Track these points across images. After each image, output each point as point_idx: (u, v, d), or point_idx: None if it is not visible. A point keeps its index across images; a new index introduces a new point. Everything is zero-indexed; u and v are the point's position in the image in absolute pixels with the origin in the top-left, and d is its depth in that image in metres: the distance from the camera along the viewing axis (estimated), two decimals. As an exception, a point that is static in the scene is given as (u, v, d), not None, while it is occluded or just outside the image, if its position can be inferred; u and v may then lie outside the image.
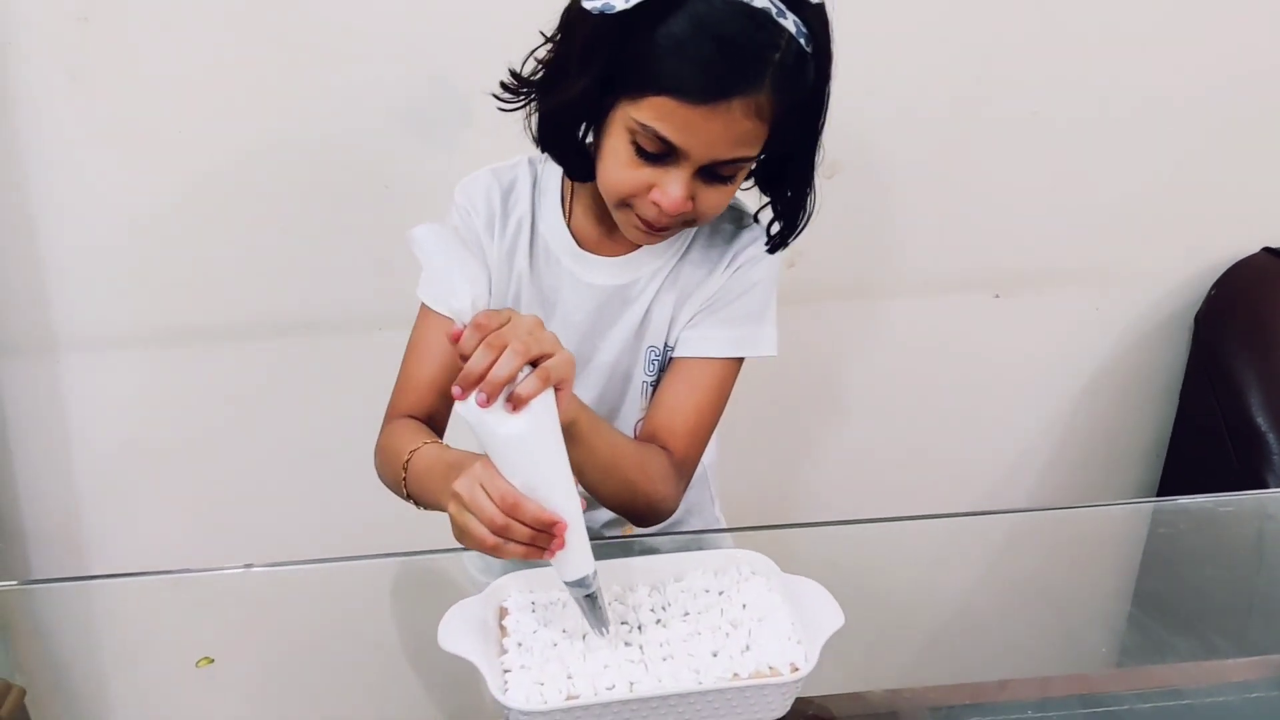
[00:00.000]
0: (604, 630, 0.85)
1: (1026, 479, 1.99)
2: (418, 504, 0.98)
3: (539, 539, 0.81)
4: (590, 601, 0.84)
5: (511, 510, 0.80)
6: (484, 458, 0.83)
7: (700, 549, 1.00)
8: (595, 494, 1.02)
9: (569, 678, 0.82)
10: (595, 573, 0.84)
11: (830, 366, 1.85)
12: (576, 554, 0.83)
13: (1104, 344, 1.93)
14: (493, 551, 0.82)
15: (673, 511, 1.09)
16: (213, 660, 0.93)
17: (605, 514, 1.15)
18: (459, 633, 0.85)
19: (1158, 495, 1.97)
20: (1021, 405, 1.95)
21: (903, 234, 1.78)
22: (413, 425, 1.06)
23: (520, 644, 0.87)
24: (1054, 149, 1.74)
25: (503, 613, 0.92)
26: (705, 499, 1.26)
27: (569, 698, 0.80)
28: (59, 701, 0.95)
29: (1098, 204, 1.80)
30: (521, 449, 0.79)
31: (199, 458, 1.67)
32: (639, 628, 0.89)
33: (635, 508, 1.05)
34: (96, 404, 1.61)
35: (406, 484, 0.98)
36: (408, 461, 0.98)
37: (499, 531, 0.81)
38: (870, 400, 1.88)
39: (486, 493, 0.81)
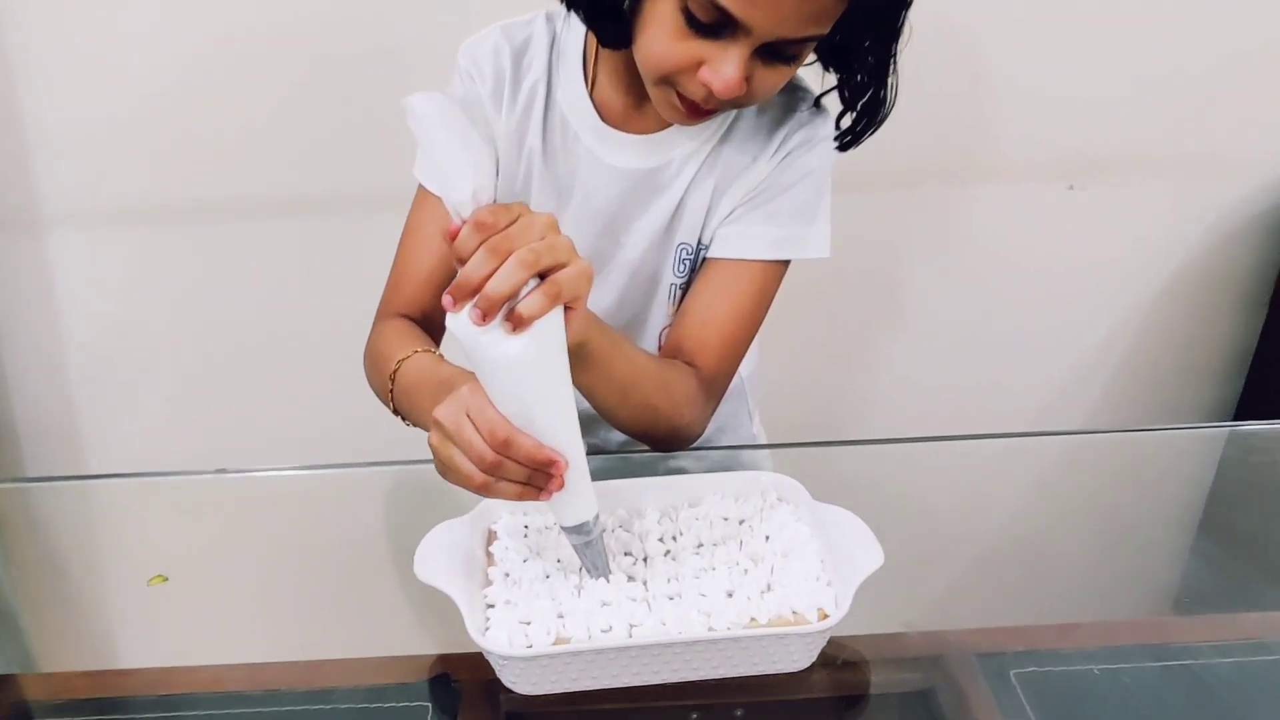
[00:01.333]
0: (604, 578, 0.74)
1: (1089, 396, 1.84)
2: (405, 420, 0.87)
3: (534, 479, 0.69)
4: (589, 549, 0.73)
5: (503, 446, 0.67)
6: (474, 380, 0.70)
7: (732, 469, 0.88)
8: (609, 418, 0.89)
9: (559, 617, 0.72)
10: (597, 517, 0.73)
11: (884, 264, 1.70)
12: (577, 497, 0.71)
13: (1184, 243, 1.74)
14: (480, 491, 0.70)
15: (698, 436, 0.96)
16: (166, 579, 0.84)
17: (617, 435, 1.03)
18: (438, 561, 0.75)
19: (1235, 418, 1.81)
20: (1089, 310, 1.78)
21: (966, 117, 1.60)
22: (404, 328, 0.94)
23: (507, 575, 0.76)
24: (1136, 22, 1.53)
25: (491, 537, 0.81)
26: (741, 413, 1.13)
27: (558, 641, 0.69)
28: (50, 601, 0.87)
29: (1183, 84, 1.59)
30: (519, 375, 0.66)
31: (192, 345, 1.58)
32: (644, 560, 0.78)
33: (655, 433, 0.92)
34: (85, 285, 1.52)
35: (393, 397, 0.86)
36: (395, 372, 0.86)
37: (488, 470, 0.68)
38: (928, 303, 1.73)
39: (475, 424, 0.68)
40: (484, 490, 0.69)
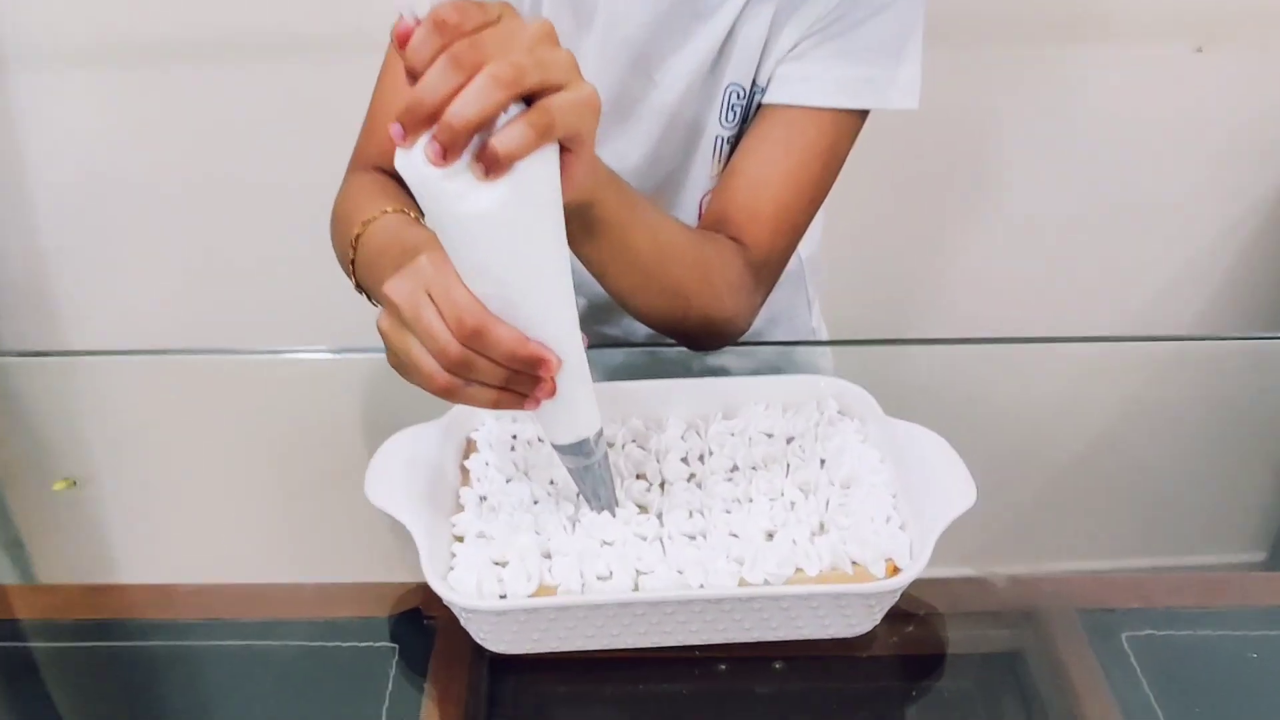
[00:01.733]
0: (609, 509, 0.58)
1: (1203, 296, 1.62)
2: (371, 299, 0.69)
3: (515, 382, 0.52)
4: (589, 475, 0.56)
5: (473, 338, 0.50)
6: (436, 248, 0.52)
7: (781, 373, 0.70)
8: (626, 306, 0.71)
9: (546, 558, 0.55)
10: (600, 435, 0.55)
11: (977, 133, 1.48)
12: (572, 407, 0.54)
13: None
14: (444, 395, 0.53)
15: (743, 332, 0.77)
16: (74, 483, 0.69)
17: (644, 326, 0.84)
18: (395, 478, 0.58)
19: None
20: (1216, 197, 1.55)
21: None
22: (376, 183, 0.75)
23: (483, 499, 0.59)
24: None
25: (469, 448, 0.64)
26: (798, 302, 0.94)
27: (541, 590, 0.53)
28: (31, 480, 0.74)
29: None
30: (495, 239, 0.48)
31: (166, 201, 1.42)
32: (660, 486, 0.60)
33: (687, 327, 0.73)
34: (54, 134, 1.37)
35: (355, 269, 0.69)
36: (359, 237, 0.68)
37: (454, 368, 0.51)
38: (1025, 181, 1.51)
39: (438, 306, 0.51)
40: (449, 394, 0.52)
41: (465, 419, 0.64)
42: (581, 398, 0.53)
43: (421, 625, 0.59)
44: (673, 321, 0.72)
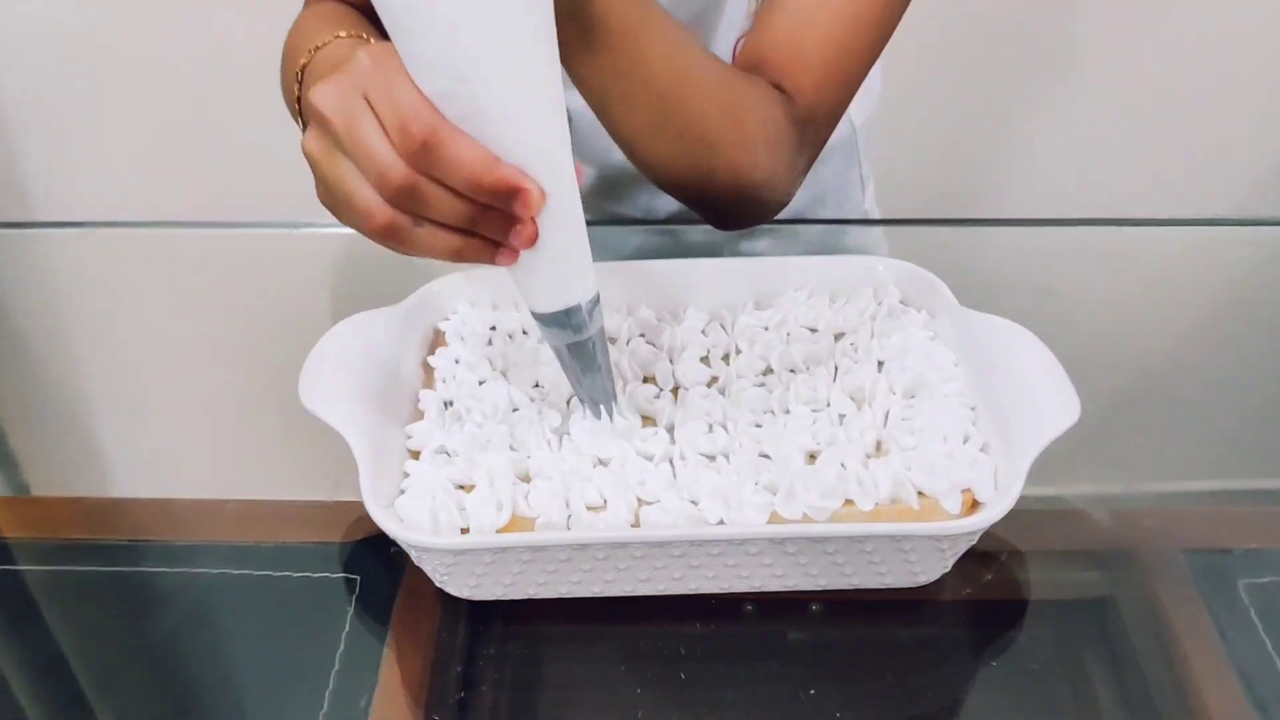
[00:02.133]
0: (604, 408, 0.44)
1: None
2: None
3: (484, 222, 0.39)
4: (581, 356, 0.43)
5: (423, 154, 0.36)
6: (381, 43, 0.38)
7: (822, 254, 0.56)
8: (636, 155, 0.56)
9: (524, 481, 0.43)
10: (596, 302, 0.42)
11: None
12: (560, 262, 0.40)
13: None
14: (385, 237, 0.39)
15: (782, 203, 0.62)
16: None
17: (666, 202, 0.69)
18: (336, 376, 0.46)
19: None
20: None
21: None
22: (335, 11, 0.61)
23: (449, 405, 0.47)
24: None
25: (436, 341, 0.51)
26: (850, 177, 0.78)
27: (513, 524, 0.41)
28: None
29: None
30: (457, 26, 0.34)
31: (129, 65, 1.28)
32: (673, 393, 0.48)
33: (711, 190, 0.58)
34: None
35: (301, 106, 0.54)
36: (305, 67, 0.54)
37: (399, 197, 0.38)
38: (1120, 36, 1.31)
39: (377, 113, 0.37)
40: (391, 237, 0.39)
41: (432, 304, 0.52)
42: (572, 249, 0.40)
43: (388, 554, 0.48)
44: (694, 180, 0.57)
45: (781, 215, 0.61)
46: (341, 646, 0.45)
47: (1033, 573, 0.48)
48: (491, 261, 0.40)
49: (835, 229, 0.73)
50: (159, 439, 0.58)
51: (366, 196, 0.38)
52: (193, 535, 0.51)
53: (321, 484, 0.53)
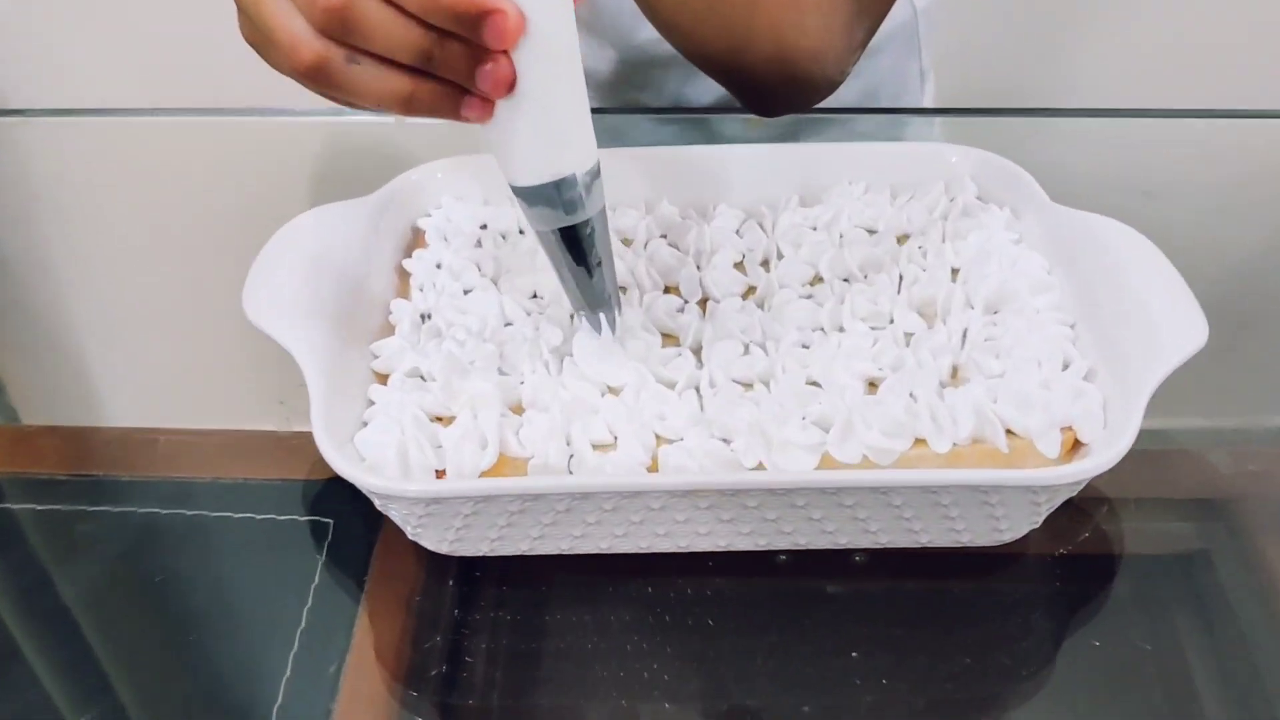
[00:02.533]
0: (604, 317, 0.36)
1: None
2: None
3: (443, 58, 0.29)
4: (573, 244, 0.34)
5: None
6: None
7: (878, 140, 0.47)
8: (659, 16, 0.47)
9: (515, 413, 0.35)
10: (595, 172, 0.33)
11: None
12: (547, 118, 0.31)
13: None
14: (313, 78, 0.30)
15: (832, 84, 0.52)
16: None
17: (706, 84, 0.59)
18: (288, 282, 0.37)
19: None
20: None
21: None
22: None
23: (426, 319, 0.39)
24: None
25: (415, 241, 0.43)
26: (909, 68, 0.68)
27: (503, 465, 0.33)
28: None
29: None
30: None
31: None
32: (701, 306, 0.39)
33: (750, 61, 0.48)
34: None
35: None
36: None
37: (326, 22, 0.29)
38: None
39: None
40: (320, 77, 0.30)
41: (409, 196, 0.43)
42: (563, 98, 0.31)
43: (365, 498, 0.40)
44: (729, 46, 0.47)
45: (829, 102, 0.51)
46: (309, 601, 0.37)
47: (1110, 521, 0.39)
48: (455, 115, 0.30)
49: (893, 121, 0.62)
50: (92, 357, 0.50)
51: (290, 25, 0.29)
52: (128, 469, 0.43)
53: (279, 411, 0.45)
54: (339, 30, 0.28)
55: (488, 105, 0.30)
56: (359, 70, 0.29)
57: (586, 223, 0.33)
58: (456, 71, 0.29)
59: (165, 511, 0.42)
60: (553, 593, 0.36)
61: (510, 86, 0.29)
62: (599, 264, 0.34)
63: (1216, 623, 0.36)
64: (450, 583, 0.36)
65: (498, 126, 0.30)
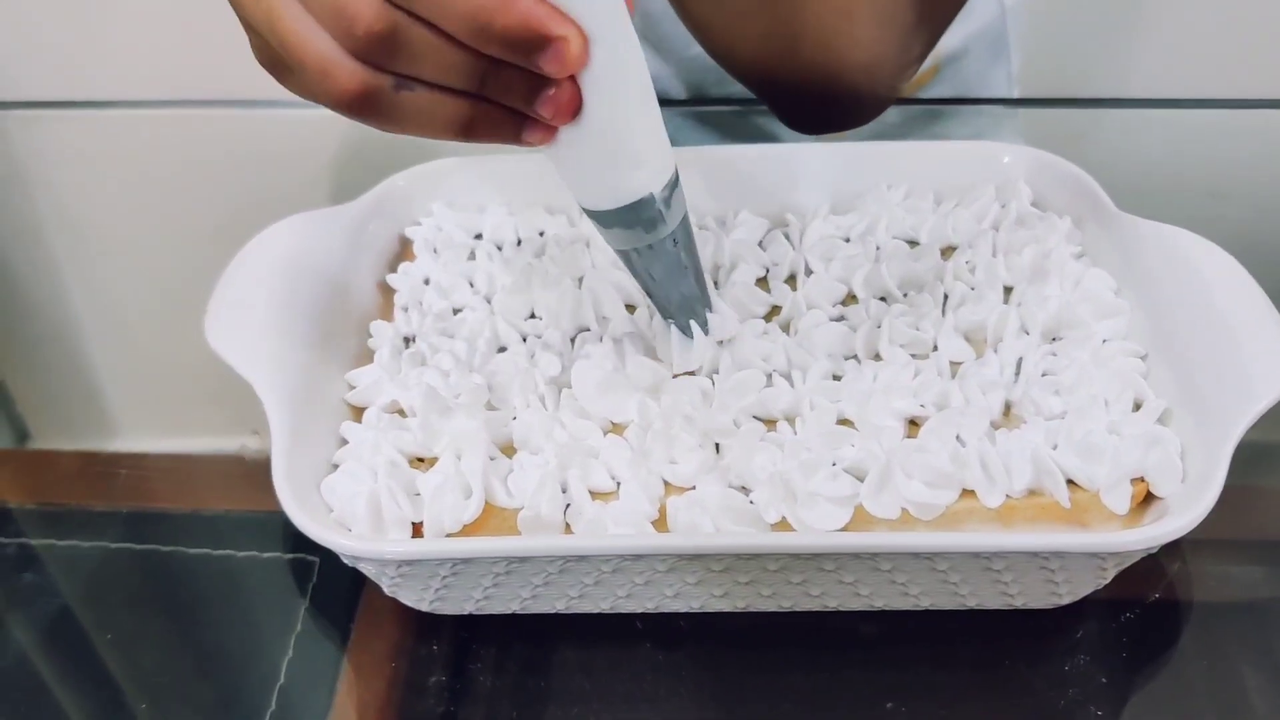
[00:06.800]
0: (694, 323, 0.33)
1: None
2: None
3: (497, 83, 0.25)
4: (657, 259, 0.30)
5: None
6: None
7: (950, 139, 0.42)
8: (699, 30, 0.41)
9: (505, 460, 0.31)
10: (674, 183, 0.29)
11: None
12: (615, 136, 0.27)
13: None
14: (356, 108, 0.26)
15: (886, 102, 0.45)
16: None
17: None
18: (255, 303, 0.33)
19: None
20: None
21: None
22: None
23: (410, 342, 0.35)
24: None
25: (402, 254, 0.39)
26: (996, 77, 0.59)
27: (487, 519, 0.29)
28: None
29: None
30: None
31: None
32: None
33: (792, 70, 0.42)
34: None
35: None
36: None
37: (368, 48, 0.24)
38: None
39: None
40: (362, 106, 0.25)
41: (396, 204, 0.39)
42: (633, 120, 0.27)
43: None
44: (770, 54, 0.42)
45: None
46: (290, 652, 0.34)
47: (1217, 573, 0.35)
48: (516, 140, 0.27)
49: (966, 110, 0.56)
50: (60, 376, 0.46)
51: (320, 49, 0.25)
52: (97, 499, 0.40)
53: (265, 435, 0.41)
54: (384, 56, 0.24)
55: (550, 131, 0.26)
56: (410, 98, 0.25)
57: (669, 238, 0.29)
58: (514, 96, 0.25)
59: (138, 547, 0.39)
60: (558, 646, 0.32)
61: (574, 112, 0.26)
62: (686, 272, 0.31)
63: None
64: (445, 633, 0.33)
65: (564, 150, 0.27)
